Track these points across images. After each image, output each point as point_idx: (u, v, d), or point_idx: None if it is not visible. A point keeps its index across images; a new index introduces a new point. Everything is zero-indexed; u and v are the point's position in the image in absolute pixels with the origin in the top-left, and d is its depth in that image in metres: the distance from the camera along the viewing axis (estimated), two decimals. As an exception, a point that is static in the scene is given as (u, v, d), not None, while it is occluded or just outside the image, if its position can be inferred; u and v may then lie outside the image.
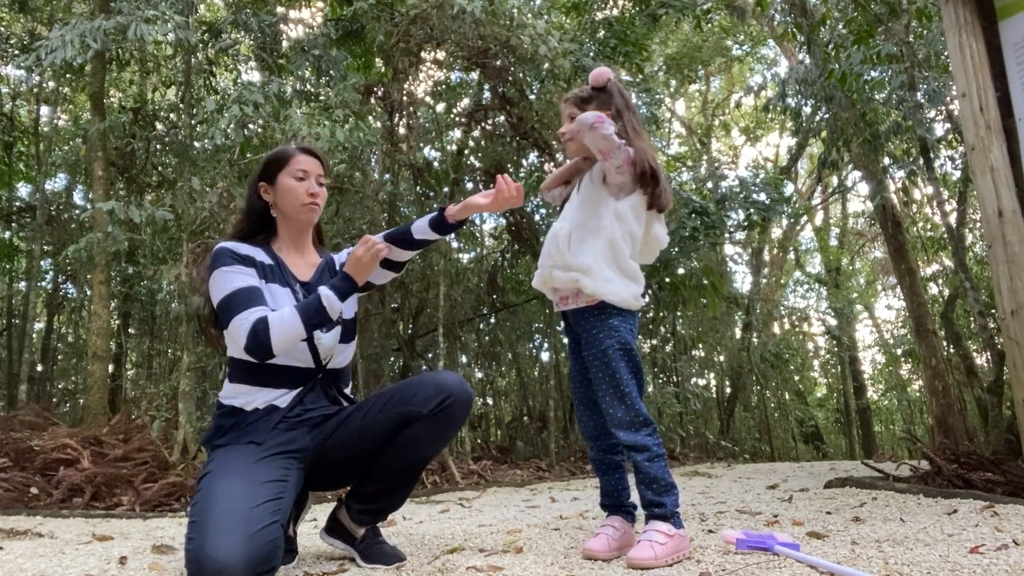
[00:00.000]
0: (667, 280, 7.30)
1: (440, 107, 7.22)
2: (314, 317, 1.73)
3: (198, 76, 6.12)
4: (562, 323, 2.14)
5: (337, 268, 2.01)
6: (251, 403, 1.79)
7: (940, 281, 8.09)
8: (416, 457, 1.83)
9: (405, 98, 6.18)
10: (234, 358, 1.82)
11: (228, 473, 1.63)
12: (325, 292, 1.74)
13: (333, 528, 1.96)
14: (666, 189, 1.97)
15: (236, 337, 1.71)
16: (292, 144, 2.04)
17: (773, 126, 14.23)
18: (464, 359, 8.06)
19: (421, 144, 6.84)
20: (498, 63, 5.89)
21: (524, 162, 7.21)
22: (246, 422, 1.77)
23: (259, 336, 1.69)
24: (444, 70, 6.93)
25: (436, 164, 7.23)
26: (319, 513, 3.36)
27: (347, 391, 1.98)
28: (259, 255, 1.87)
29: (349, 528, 1.91)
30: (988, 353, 5.00)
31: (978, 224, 6.37)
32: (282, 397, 1.81)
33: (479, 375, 8.52)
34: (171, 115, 7.09)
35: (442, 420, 1.79)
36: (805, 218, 13.70)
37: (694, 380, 9.95)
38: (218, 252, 1.81)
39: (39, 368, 8.26)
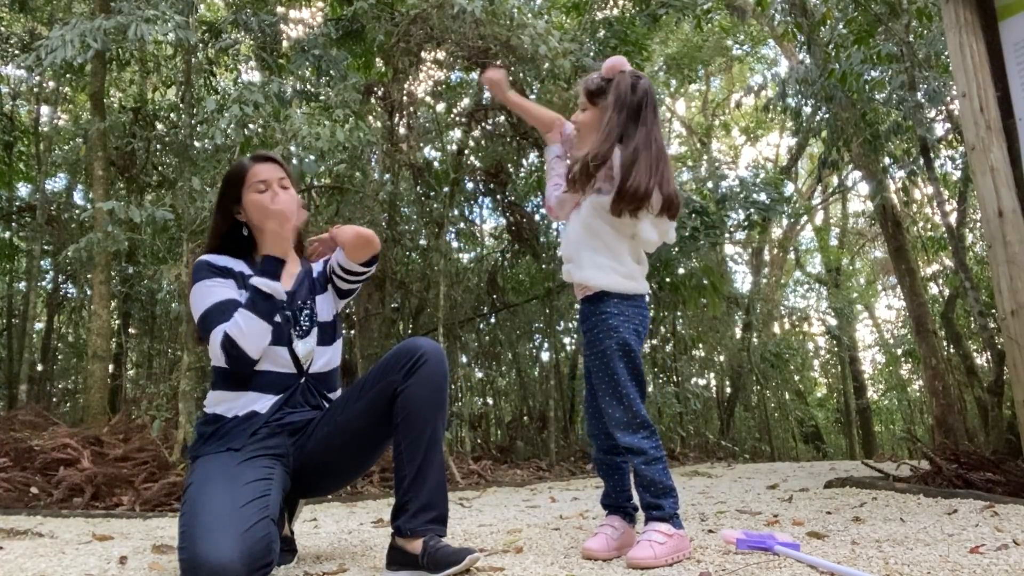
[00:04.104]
0: (667, 280, 7.30)
1: (440, 107, 7.22)
2: (263, 307, 1.76)
3: (198, 76, 6.11)
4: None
5: (315, 275, 2.02)
6: (232, 410, 1.80)
7: (940, 281, 8.08)
8: (419, 429, 1.71)
9: (405, 98, 6.19)
10: (216, 366, 1.84)
11: (211, 480, 1.63)
12: (256, 280, 1.78)
13: (393, 559, 1.75)
14: (636, 193, 1.81)
15: (214, 355, 1.76)
16: (246, 157, 2.02)
17: (773, 126, 14.23)
18: (464, 359, 8.06)
19: (421, 144, 6.84)
20: (498, 63, 5.89)
21: (524, 162, 7.22)
22: (225, 429, 1.78)
23: (230, 351, 1.72)
24: (444, 70, 6.93)
25: (436, 164, 7.23)
26: (319, 513, 3.36)
27: (335, 396, 1.97)
28: (238, 266, 1.89)
29: (408, 550, 1.69)
30: (988, 353, 5.00)
31: (978, 224, 6.36)
32: (262, 402, 1.81)
33: (479, 375, 8.52)
34: (171, 115, 7.09)
35: (422, 377, 1.72)
36: (805, 218, 13.69)
37: (694, 380, 9.95)
38: (196, 266, 1.84)
39: (39, 368, 8.26)
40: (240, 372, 1.77)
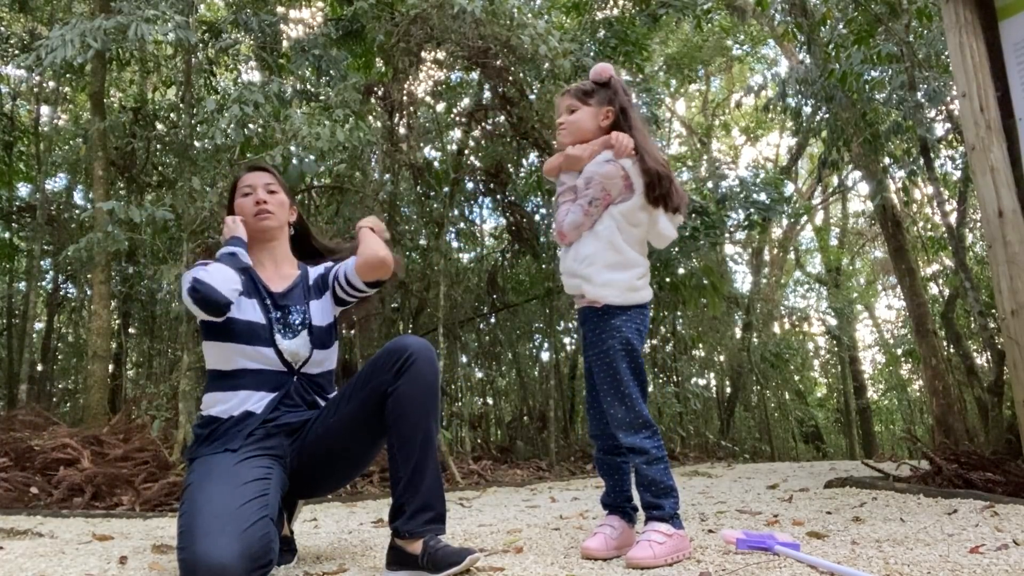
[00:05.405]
0: (667, 280, 7.30)
1: (440, 107, 7.22)
2: (228, 259, 1.84)
3: (198, 76, 6.12)
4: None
5: (311, 281, 2.03)
6: (227, 411, 1.80)
7: (940, 281, 8.08)
8: (412, 429, 1.71)
9: (405, 98, 6.18)
10: (209, 368, 1.86)
11: (209, 480, 1.63)
12: (220, 252, 1.88)
13: (393, 559, 1.75)
14: (677, 190, 1.96)
15: (189, 306, 1.77)
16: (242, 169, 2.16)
17: (773, 126, 14.22)
18: (464, 359, 8.06)
19: (421, 144, 6.84)
20: (498, 63, 5.89)
21: (524, 162, 7.22)
22: (222, 430, 1.78)
23: (198, 289, 1.71)
24: (444, 70, 6.93)
25: (436, 164, 7.23)
26: (318, 513, 3.36)
27: (331, 396, 1.97)
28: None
29: (408, 550, 1.70)
30: (988, 353, 5.00)
31: (978, 224, 6.36)
32: (258, 403, 1.81)
33: (479, 375, 8.52)
34: (171, 115, 7.09)
35: (412, 377, 1.71)
36: (805, 218, 13.69)
37: (694, 380, 9.95)
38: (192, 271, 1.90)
39: (39, 368, 8.26)
40: (213, 317, 1.77)
